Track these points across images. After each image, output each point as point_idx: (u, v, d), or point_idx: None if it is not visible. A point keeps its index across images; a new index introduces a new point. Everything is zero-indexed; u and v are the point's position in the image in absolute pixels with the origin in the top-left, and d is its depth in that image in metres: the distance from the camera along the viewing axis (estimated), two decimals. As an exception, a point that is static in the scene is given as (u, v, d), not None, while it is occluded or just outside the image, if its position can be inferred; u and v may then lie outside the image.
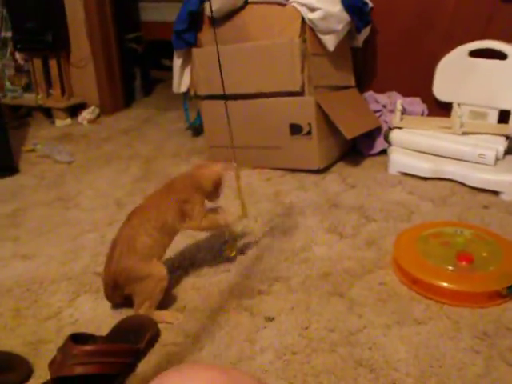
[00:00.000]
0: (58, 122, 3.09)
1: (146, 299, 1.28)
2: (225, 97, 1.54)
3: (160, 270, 1.30)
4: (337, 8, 1.97)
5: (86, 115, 3.10)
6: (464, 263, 1.37)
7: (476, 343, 1.17)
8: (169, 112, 3.26)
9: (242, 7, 2.05)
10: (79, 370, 1.05)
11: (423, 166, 2.05)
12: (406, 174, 2.09)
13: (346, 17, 2.01)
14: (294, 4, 1.96)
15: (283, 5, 1.97)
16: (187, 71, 2.36)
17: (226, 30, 2.10)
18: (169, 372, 0.65)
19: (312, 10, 1.93)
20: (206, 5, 2.07)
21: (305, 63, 1.99)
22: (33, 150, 2.60)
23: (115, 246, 1.31)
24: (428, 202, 1.86)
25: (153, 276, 1.28)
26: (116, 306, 1.36)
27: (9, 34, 3.07)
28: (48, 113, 3.18)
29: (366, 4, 2.17)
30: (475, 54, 2.17)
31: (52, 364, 1.08)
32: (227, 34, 2.10)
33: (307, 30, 1.99)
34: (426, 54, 2.33)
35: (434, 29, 2.30)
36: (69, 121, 3.12)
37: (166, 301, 1.34)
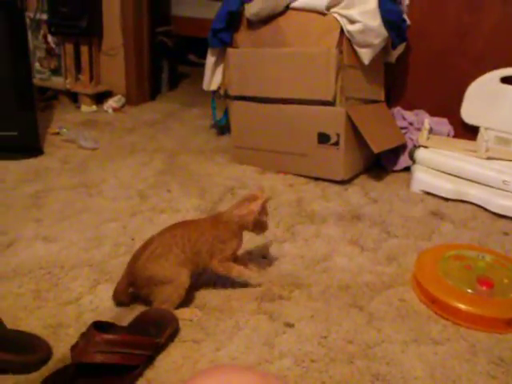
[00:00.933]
0: (84, 108, 3.11)
1: (162, 303, 1.30)
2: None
3: (183, 278, 1.30)
4: (376, 22, 1.98)
5: (111, 103, 3.12)
6: (484, 288, 1.38)
7: (492, 368, 1.17)
8: (194, 108, 3.27)
9: (282, 12, 2.06)
10: (100, 359, 1.06)
11: (446, 187, 2.05)
12: (428, 193, 2.09)
13: (384, 32, 2.02)
14: (335, 14, 1.96)
15: (324, 14, 1.98)
16: (219, 70, 2.37)
17: (263, 33, 2.12)
18: (210, 371, 0.66)
19: (352, 22, 1.95)
20: (247, 6, 2.08)
21: (339, 74, 2.00)
22: (58, 134, 2.61)
23: (149, 244, 1.32)
24: (449, 223, 1.87)
25: (173, 282, 1.29)
26: (134, 297, 1.36)
27: (43, 17, 3.10)
28: (74, 98, 3.20)
29: (405, 21, 2.18)
30: (507, 80, 2.17)
31: (74, 349, 1.09)
32: (264, 38, 2.12)
33: (344, 41, 2.00)
34: (457, 75, 2.33)
35: (468, 51, 2.30)
36: (94, 107, 3.14)
37: (187, 298, 1.35)
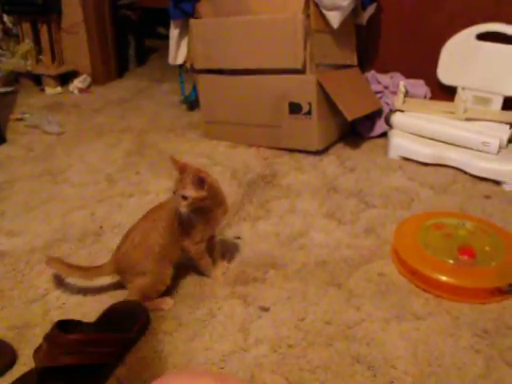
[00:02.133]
0: (48, 90, 3.00)
1: (138, 295, 1.24)
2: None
3: (164, 275, 1.25)
4: (343, -17, 1.89)
5: (77, 84, 3.00)
6: (465, 257, 1.33)
7: (476, 342, 1.13)
8: (163, 83, 3.17)
9: (245, -22, 1.96)
10: (66, 361, 1.01)
11: (424, 152, 1.99)
12: (406, 159, 2.03)
13: (352, -7, 1.93)
14: (300, -23, 1.87)
15: (288, -23, 1.89)
16: (184, 43, 2.28)
17: (226, 1, 2.03)
18: (161, 380, 0.60)
19: (317, -16, 1.85)
20: (207, -26, 1.98)
21: (307, 40, 1.90)
22: (21, 119, 2.51)
23: (130, 233, 1.27)
24: (428, 190, 1.82)
25: (153, 275, 1.24)
26: (105, 289, 1.31)
27: (-3, -4, 2.95)
28: (38, 80, 3.07)
29: (373, -20, 2.09)
30: (483, 37, 2.10)
31: (37, 353, 1.03)
32: (228, 6, 2.02)
33: (311, 5, 1.90)
34: (431, 34, 2.25)
35: (442, 9, 2.21)
36: (59, 89, 3.02)
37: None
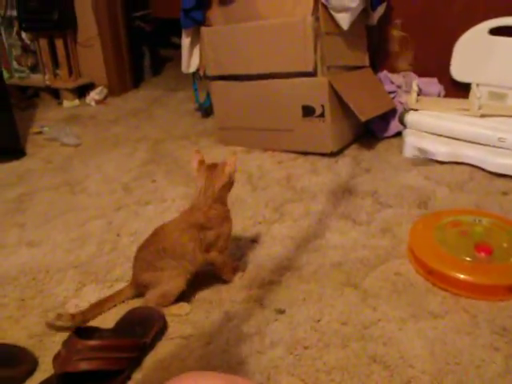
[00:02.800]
0: (66, 103, 3.05)
1: (154, 303, 1.25)
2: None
3: (179, 282, 1.25)
4: (351, -16, 1.89)
5: (93, 96, 3.06)
6: (483, 254, 1.32)
7: (495, 339, 1.12)
8: (178, 92, 3.20)
9: (253, -16, 1.98)
10: (84, 366, 1.02)
11: (440, 150, 1.98)
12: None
13: (360, -6, 1.93)
14: (307, -20, 1.87)
15: (295, -19, 1.90)
16: (196, 51, 2.30)
17: (235, 7, 2.04)
18: (176, 381, 0.61)
19: (325, -14, 1.86)
20: (216, -18, 2.00)
21: (318, 43, 1.91)
22: (40, 133, 2.56)
23: (136, 261, 1.29)
24: (445, 188, 1.80)
25: (168, 286, 1.24)
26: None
27: (14, 13, 3.01)
28: (56, 94, 3.14)
29: (382, -20, 2.09)
30: (496, 31, 2.08)
31: (56, 359, 1.05)
32: (237, 13, 2.04)
33: (320, 7, 1.91)
34: (443, 31, 2.24)
35: (453, 5, 2.20)
36: (77, 102, 3.08)
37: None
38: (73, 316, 1.22)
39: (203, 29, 2.14)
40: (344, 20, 1.96)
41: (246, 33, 2.03)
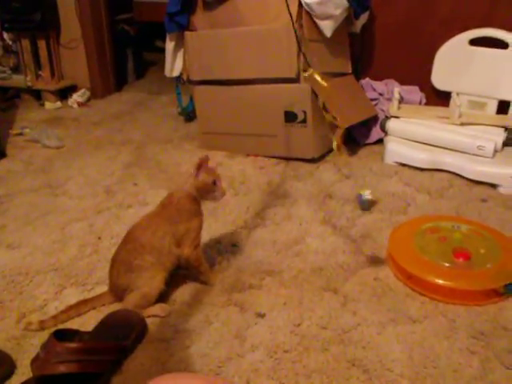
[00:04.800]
0: (48, 105, 3.02)
1: (133, 306, 1.25)
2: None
3: (156, 282, 1.25)
4: (335, -8, 1.91)
5: (76, 98, 3.03)
6: (461, 260, 1.34)
7: (472, 343, 1.14)
8: (161, 96, 3.19)
9: (238, -11, 1.99)
10: (62, 369, 1.01)
11: (420, 157, 2.01)
12: (402, 165, 2.04)
13: (344, 2, 1.94)
14: (292, -13, 1.89)
15: (280, -12, 1.91)
16: (180, 55, 2.29)
17: (220, 13, 2.05)
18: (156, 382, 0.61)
19: (309, -6, 1.87)
20: (200, -14, 2.00)
21: (301, 49, 1.92)
22: (21, 134, 2.53)
23: (113, 265, 1.29)
24: (425, 194, 1.83)
25: (145, 288, 1.25)
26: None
27: (-3, 14, 2.98)
28: (38, 95, 3.10)
29: (365, -12, 2.11)
30: (476, 42, 2.12)
31: (34, 362, 1.04)
32: (221, 18, 2.04)
33: (304, 14, 1.93)
34: (425, 41, 2.27)
35: (434, 15, 2.24)
36: (59, 104, 3.05)
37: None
38: (42, 322, 1.21)
39: (187, 33, 2.14)
40: (327, 27, 1.98)
41: (230, 38, 2.04)
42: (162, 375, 0.66)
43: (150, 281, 1.24)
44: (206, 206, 1.49)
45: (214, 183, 1.28)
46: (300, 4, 1.91)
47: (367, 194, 1.68)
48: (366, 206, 1.67)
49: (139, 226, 1.29)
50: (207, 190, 1.28)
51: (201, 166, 1.27)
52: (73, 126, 2.72)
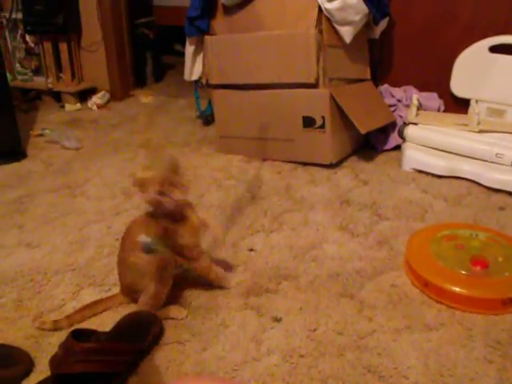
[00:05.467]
0: (68, 107, 3.06)
1: (146, 307, 1.26)
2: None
3: (157, 287, 1.25)
4: (355, -2, 1.91)
5: (95, 100, 3.07)
6: (478, 268, 1.33)
7: (489, 352, 1.13)
8: (180, 99, 3.22)
9: (258, -5, 2.00)
10: (80, 368, 1.02)
11: (438, 164, 2.00)
12: (420, 171, 2.04)
13: (364, 8, 1.95)
14: (312, -7, 1.90)
15: (300, -7, 1.92)
16: (199, 59, 2.32)
17: (240, 18, 2.06)
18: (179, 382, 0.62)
19: (330, -1, 1.88)
20: (221, -9, 2.02)
21: (320, 55, 1.94)
22: (41, 135, 2.57)
23: (118, 264, 1.32)
24: (442, 202, 1.82)
25: (154, 286, 1.25)
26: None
27: (20, 16, 3.03)
28: (58, 97, 3.15)
29: (385, -6, 2.11)
30: (495, 49, 2.11)
31: (53, 360, 1.05)
32: (241, 23, 2.06)
33: (324, 20, 1.93)
34: (444, 47, 2.27)
35: (455, 22, 2.23)
36: (78, 105, 3.09)
37: (171, 297, 1.31)
38: (56, 322, 1.23)
39: (207, 37, 2.16)
40: (347, 33, 1.98)
41: (250, 43, 2.05)
42: (182, 377, 0.67)
43: (153, 280, 1.24)
44: (225, 211, 1.51)
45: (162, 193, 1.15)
46: (320, 9, 1.92)
47: (143, 238, 1.22)
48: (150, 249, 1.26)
49: (135, 222, 1.30)
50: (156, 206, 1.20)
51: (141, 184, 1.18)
52: (91, 127, 2.76)
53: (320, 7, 1.91)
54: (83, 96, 3.15)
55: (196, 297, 1.34)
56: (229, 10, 2.08)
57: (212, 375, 1.06)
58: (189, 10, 2.13)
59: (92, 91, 3.18)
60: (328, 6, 1.89)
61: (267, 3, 2.00)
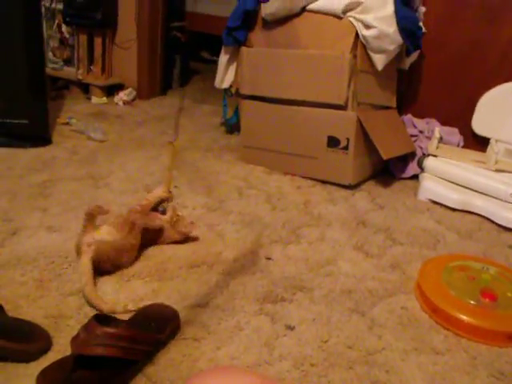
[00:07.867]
0: (94, 99, 3.12)
1: None
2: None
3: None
4: (392, 29, 1.97)
5: (122, 96, 3.13)
6: (487, 300, 1.37)
7: (492, 382, 1.17)
8: (204, 105, 3.27)
9: (298, 14, 2.06)
10: (100, 351, 1.05)
11: (453, 197, 2.05)
12: (435, 202, 2.09)
13: (399, 38, 2.01)
14: (351, 18, 1.96)
15: (339, 18, 1.98)
16: (232, 68, 2.38)
17: (278, 33, 2.12)
18: (210, 371, 0.66)
19: (367, 27, 1.94)
20: (263, 6, 2.07)
21: (352, 78, 1.99)
22: (67, 124, 2.62)
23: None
24: (454, 234, 1.86)
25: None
26: (138, 291, 1.37)
27: (59, 6, 3.11)
28: (85, 89, 3.21)
29: (420, 29, 2.16)
30: (522, 92, 2.17)
31: (74, 341, 1.08)
32: (279, 38, 2.11)
33: (359, 46, 2.00)
34: (470, 85, 2.33)
35: (483, 62, 2.29)
36: (105, 99, 3.15)
37: (189, 295, 1.36)
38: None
39: (244, 49, 2.22)
40: (379, 61, 2.04)
41: (286, 58, 2.10)
42: (211, 367, 0.70)
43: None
44: (244, 219, 1.54)
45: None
46: (357, 35, 1.98)
47: None
48: None
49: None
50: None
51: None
52: (117, 122, 2.81)
53: (357, 33, 1.97)
54: (110, 91, 3.21)
55: (213, 297, 1.38)
56: (268, 25, 2.13)
57: (239, 367, 1.10)
58: (229, 19, 2.18)
59: (119, 87, 3.24)
60: (365, 32, 1.95)
61: (306, 23, 2.06)
